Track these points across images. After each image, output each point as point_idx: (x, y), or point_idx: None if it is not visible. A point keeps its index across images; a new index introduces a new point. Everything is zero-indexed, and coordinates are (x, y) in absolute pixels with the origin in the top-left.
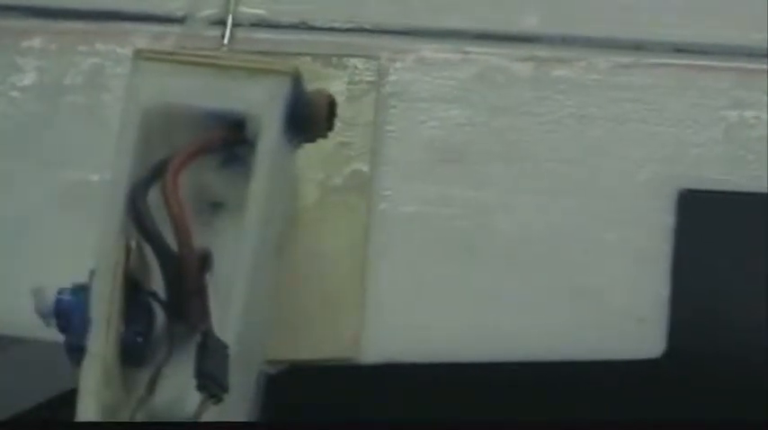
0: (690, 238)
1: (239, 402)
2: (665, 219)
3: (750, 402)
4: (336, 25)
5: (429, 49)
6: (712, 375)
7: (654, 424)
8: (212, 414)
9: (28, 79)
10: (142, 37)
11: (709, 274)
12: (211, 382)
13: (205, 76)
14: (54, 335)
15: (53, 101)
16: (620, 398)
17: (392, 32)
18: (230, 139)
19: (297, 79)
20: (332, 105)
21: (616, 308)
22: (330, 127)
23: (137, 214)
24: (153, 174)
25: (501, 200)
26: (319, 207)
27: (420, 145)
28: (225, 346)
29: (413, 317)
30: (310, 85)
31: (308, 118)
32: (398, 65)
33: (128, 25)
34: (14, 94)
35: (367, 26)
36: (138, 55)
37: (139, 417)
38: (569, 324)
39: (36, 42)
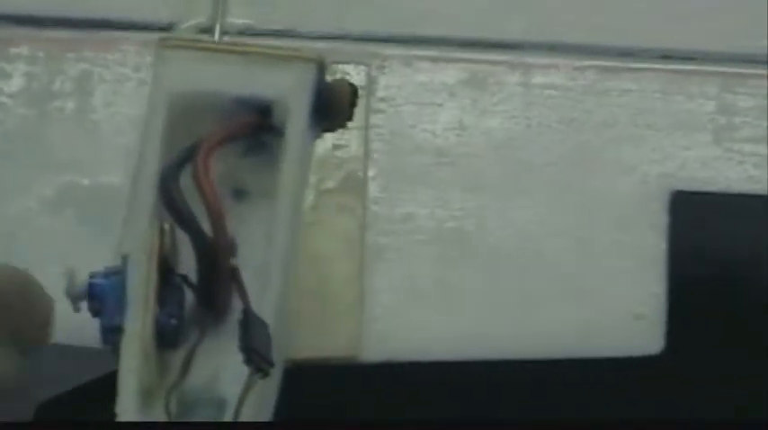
0: (684, 237)
1: (273, 386)
2: (658, 219)
3: (750, 398)
4: (324, 33)
5: (418, 56)
6: (711, 371)
7: (653, 421)
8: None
9: (17, 85)
10: (130, 44)
11: (704, 271)
12: (257, 356)
13: (230, 63)
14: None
15: (42, 106)
16: (620, 394)
17: (381, 39)
18: (258, 126)
19: (321, 66)
20: (354, 94)
21: (614, 306)
22: (351, 116)
23: (170, 198)
24: (183, 159)
25: (495, 201)
26: (315, 210)
27: (412, 148)
28: (265, 324)
29: (411, 316)
30: None
31: (333, 105)
32: (388, 70)
33: (116, 33)
34: (3, 99)
35: (355, 33)
36: (163, 43)
37: (174, 398)
38: (567, 322)
39: (24, 50)
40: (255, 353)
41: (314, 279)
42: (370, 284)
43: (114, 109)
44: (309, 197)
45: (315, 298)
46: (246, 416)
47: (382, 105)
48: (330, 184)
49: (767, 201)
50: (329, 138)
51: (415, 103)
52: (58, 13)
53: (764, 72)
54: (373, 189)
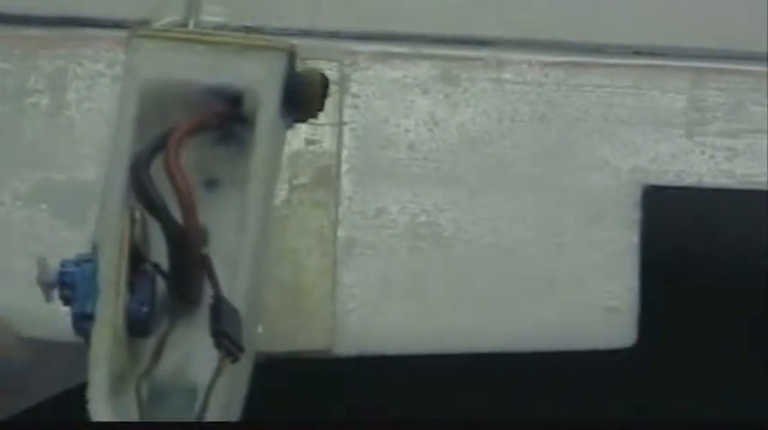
0: (656, 232)
1: (244, 375)
2: (630, 213)
3: (720, 391)
4: (297, 29)
5: (390, 52)
6: (683, 364)
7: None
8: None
9: None
10: (104, 41)
11: (677, 265)
12: (228, 341)
13: (201, 53)
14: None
15: (17, 103)
16: (594, 386)
17: (353, 36)
18: (229, 115)
19: (292, 56)
20: (325, 84)
21: (587, 299)
22: (322, 106)
23: (141, 186)
24: (154, 148)
25: (468, 195)
26: (288, 204)
27: (384, 143)
28: (236, 310)
29: (383, 310)
30: None
31: (304, 95)
32: (360, 67)
33: (90, 30)
34: None
35: (328, 30)
36: (135, 33)
37: (145, 385)
38: (540, 316)
39: (2, 47)
40: (226, 338)
41: (287, 273)
42: (342, 279)
43: (88, 105)
44: (282, 192)
45: (287, 292)
46: (216, 402)
47: (355, 101)
48: (303, 180)
49: (738, 195)
50: (302, 134)
51: (387, 99)
52: (32, 11)
53: (735, 67)
54: (346, 184)
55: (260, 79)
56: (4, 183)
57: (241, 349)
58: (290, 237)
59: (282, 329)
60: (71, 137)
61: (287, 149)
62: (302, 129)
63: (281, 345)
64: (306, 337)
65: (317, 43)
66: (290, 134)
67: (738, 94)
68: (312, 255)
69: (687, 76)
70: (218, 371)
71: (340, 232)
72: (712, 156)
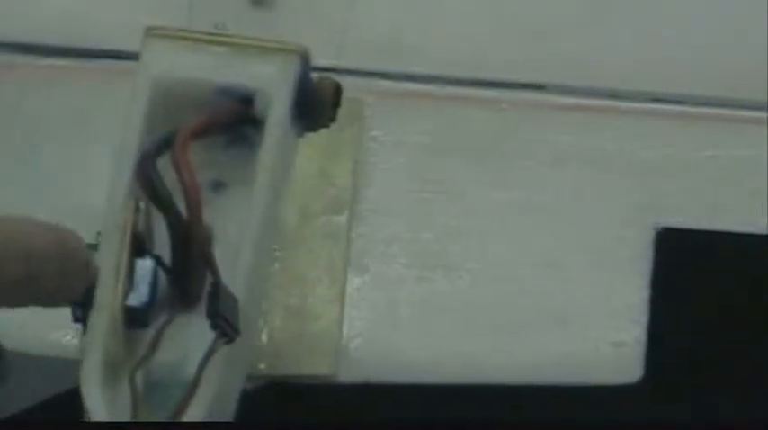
0: (667, 271)
1: (238, 371)
2: (643, 252)
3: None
4: (319, 65)
5: (409, 90)
6: (689, 400)
7: None
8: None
9: (14, 110)
10: (127, 73)
11: (686, 304)
12: (223, 322)
13: (214, 53)
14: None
15: (36, 130)
16: (598, 422)
17: (373, 74)
18: (239, 115)
19: (306, 59)
20: (338, 92)
21: (594, 333)
22: (334, 116)
23: (147, 178)
24: (162, 143)
25: (481, 227)
26: (300, 231)
27: (398, 174)
28: (234, 298)
29: (390, 338)
30: None
31: (315, 101)
32: (380, 104)
33: (113, 63)
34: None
35: (349, 67)
36: (150, 32)
37: (140, 375)
38: (547, 348)
39: (23, 76)
40: (222, 319)
41: (295, 298)
42: (350, 305)
43: (108, 134)
44: (294, 219)
45: (295, 317)
46: (207, 389)
47: (372, 135)
48: (316, 208)
49: (752, 239)
50: (317, 162)
51: (404, 136)
52: (57, 43)
53: (756, 115)
54: (358, 212)
55: (272, 81)
56: (18, 208)
57: (237, 332)
58: (300, 264)
59: (288, 353)
60: (87, 164)
61: (301, 179)
62: (317, 160)
63: (285, 369)
64: (311, 362)
65: (339, 80)
66: (304, 164)
67: (756, 141)
68: (321, 282)
69: (707, 123)
70: (211, 350)
71: (351, 258)
72: (726, 200)
